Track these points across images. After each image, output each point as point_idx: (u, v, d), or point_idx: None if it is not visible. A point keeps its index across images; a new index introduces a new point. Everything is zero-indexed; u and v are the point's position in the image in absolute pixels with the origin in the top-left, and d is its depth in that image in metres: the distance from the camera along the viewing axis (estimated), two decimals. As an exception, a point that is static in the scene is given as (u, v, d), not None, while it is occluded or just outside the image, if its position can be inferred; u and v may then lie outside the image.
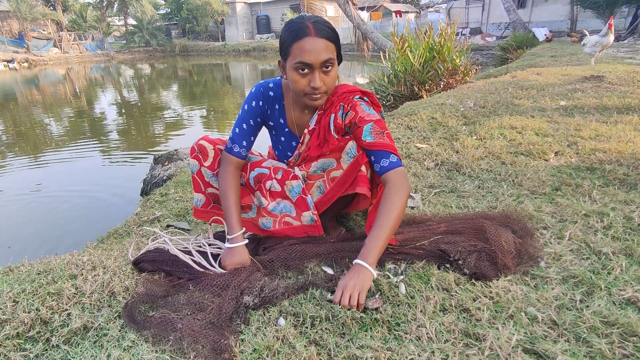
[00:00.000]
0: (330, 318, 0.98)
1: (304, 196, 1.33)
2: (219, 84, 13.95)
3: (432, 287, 1.07)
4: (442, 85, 4.62)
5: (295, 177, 1.34)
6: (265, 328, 0.96)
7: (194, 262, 1.23)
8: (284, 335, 0.93)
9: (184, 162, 3.13)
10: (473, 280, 1.10)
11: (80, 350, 0.91)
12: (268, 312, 1.02)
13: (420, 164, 2.12)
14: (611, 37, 5.08)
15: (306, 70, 1.12)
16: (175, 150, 3.36)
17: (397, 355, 0.86)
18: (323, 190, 1.33)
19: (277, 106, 1.30)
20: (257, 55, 22.84)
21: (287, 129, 1.34)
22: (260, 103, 1.29)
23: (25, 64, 20.79)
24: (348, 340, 0.91)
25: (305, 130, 1.30)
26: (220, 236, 1.40)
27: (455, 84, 4.73)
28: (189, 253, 1.27)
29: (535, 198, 1.63)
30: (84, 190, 4.00)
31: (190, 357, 0.87)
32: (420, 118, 3.00)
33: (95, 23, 27.42)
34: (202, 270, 1.20)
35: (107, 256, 1.31)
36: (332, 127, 1.24)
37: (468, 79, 4.91)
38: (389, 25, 19.01)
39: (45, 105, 9.81)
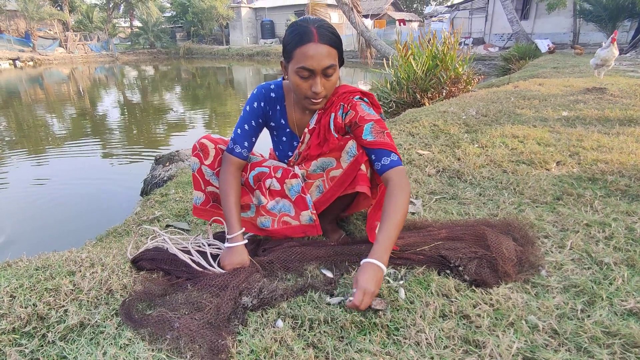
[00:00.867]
0: (329, 321, 0.97)
1: (303, 195, 1.33)
2: (221, 87, 13.99)
3: (432, 293, 1.07)
4: (444, 94, 4.64)
5: (295, 176, 1.34)
6: (263, 329, 0.96)
7: (193, 261, 1.22)
8: (282, 337, 0.92)
9: (185, 163, 3.13)
10: (473, 287, 1.09)
11: (76, 347, 0.90)
12: (266, 313, 1.02)
13: (422, 171, 2.12)
14: (615, 51, 5.08)
15: (308, 75, 1.13)
16: (177, 151, 3.36)
17: (396, 360, 0.85)
18: (322, 190, 1.33)
19: (278, 107, 1.31)
20: (261, 59, 22.94)
21: (288, 130, 1.34)
22: (262, 104, 1.30)
23: (31, 63, 20.88)
24: (346, 344, 0.91)
25: (306, 130, 1.30)
26: (220, 237, 1.39)
27: (457, 93, 4.74)
28: (188, 252, 1.26)
29: (536, 207, 1.62)
30: (84, 188, 4.00)
31: (187, 357, 0.86)
32: (422, 125, 3.00)
33: (101, 24, 27.64)
34: (200, 269, 1.20)
35: (106, 254, 1.31)
36: (332, 127, 1.25)
37: (470, 87, 4.93)
38: (392, 33, 19.13)
39: (49, 103, 9.84)
